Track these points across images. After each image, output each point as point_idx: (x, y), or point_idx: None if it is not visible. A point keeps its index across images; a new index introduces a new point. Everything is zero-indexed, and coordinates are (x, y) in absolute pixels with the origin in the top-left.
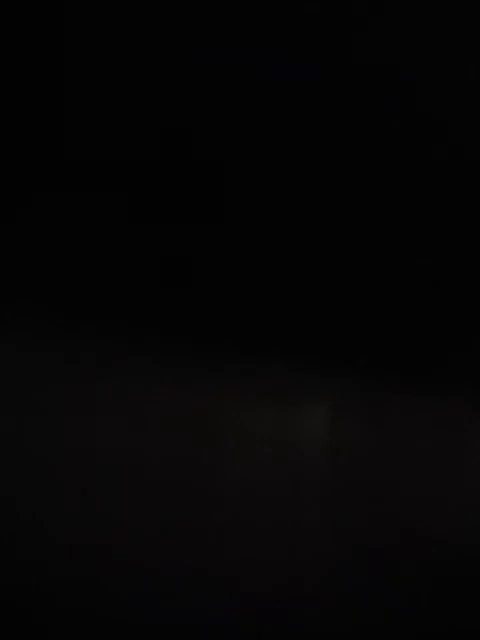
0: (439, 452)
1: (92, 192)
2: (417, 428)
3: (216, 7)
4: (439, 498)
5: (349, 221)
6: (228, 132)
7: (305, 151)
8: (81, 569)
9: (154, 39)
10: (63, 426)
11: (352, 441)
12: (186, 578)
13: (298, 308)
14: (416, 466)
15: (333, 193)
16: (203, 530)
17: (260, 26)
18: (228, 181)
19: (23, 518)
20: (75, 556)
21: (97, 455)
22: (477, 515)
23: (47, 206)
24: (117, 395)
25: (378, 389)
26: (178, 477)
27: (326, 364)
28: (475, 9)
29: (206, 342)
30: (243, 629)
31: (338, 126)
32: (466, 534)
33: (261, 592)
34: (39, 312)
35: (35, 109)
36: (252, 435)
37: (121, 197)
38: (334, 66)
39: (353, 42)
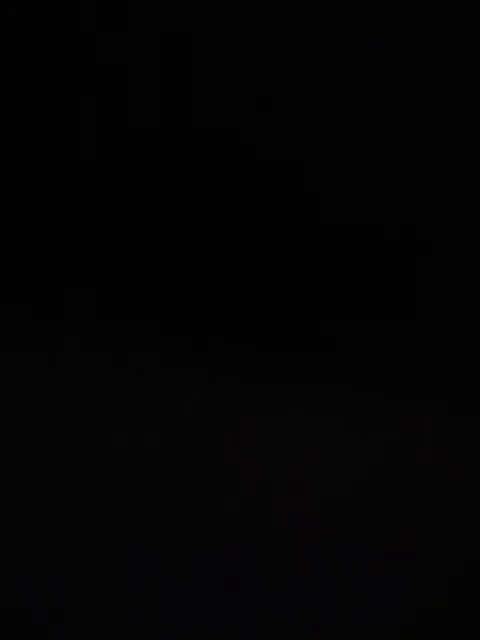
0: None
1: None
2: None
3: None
4: None
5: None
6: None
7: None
8: (82, 567)
9: None
10: (74, 425)
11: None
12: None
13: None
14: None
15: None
16: (207, 532)
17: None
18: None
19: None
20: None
21: (107, 455)
22: None
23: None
24: (126, 395)
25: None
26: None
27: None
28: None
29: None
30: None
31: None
32: None
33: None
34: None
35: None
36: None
37: (120, 197)
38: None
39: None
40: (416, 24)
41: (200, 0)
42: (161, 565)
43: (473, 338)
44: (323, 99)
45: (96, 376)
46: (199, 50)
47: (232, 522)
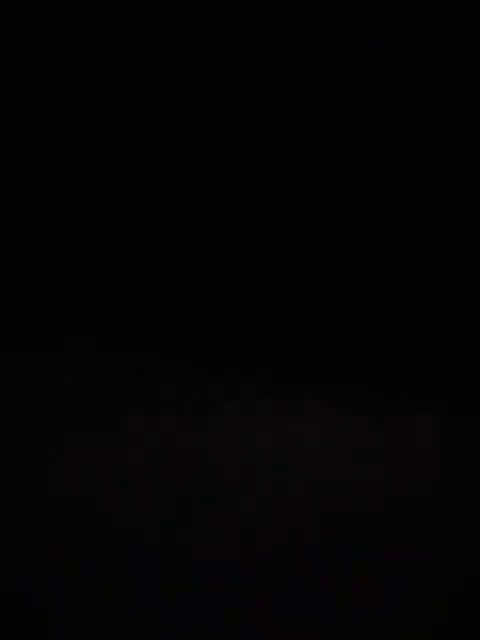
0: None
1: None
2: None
3: None
4: None
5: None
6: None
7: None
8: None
9: None
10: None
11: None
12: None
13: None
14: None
15: None
16: (207, 531)
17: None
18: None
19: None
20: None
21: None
22: None
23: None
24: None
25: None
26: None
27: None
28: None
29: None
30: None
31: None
32: None
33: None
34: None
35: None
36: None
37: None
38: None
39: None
40: (416, 24)
41: (200, 0)
42: (161, 565)
43: (473, 338)
44: (323, 99)
45: (96, 376)
46: (199, 50)
47: (231, 521)
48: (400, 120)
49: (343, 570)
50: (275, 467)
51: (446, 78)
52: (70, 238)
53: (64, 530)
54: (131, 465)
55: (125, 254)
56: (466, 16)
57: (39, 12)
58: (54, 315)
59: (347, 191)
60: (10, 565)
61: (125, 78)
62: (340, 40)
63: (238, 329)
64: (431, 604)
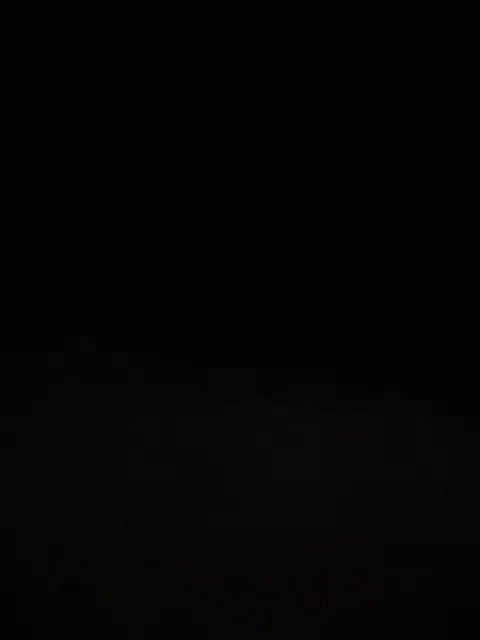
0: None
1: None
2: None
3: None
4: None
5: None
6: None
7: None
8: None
9: None
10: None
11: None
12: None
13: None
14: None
15: None
16: (200, 523)
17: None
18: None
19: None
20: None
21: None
22: None
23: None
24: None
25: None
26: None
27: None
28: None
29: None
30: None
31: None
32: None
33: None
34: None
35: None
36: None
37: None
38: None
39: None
40: (416, 24)
41: (200, 0)
42: (161, 565)
43: (473, 338)
44: (323, 99)
45: (96, 376)
46: (199, 50)
47: (232, 521)
48: (400, 120)
49: (343, 570)
50: (275, 467)
51: (446, 78)
52: (70, 238)
53: (64, 530)
54: (131, 465)
55: (125, 254)
56: (466, 16)
57: (39, 12)
58: (54, 315)
59: (347, 191)
60: (10, 565)
61: (125, 78)
62: (340, 40)
63: (238, 329)
64: (431, 604)
